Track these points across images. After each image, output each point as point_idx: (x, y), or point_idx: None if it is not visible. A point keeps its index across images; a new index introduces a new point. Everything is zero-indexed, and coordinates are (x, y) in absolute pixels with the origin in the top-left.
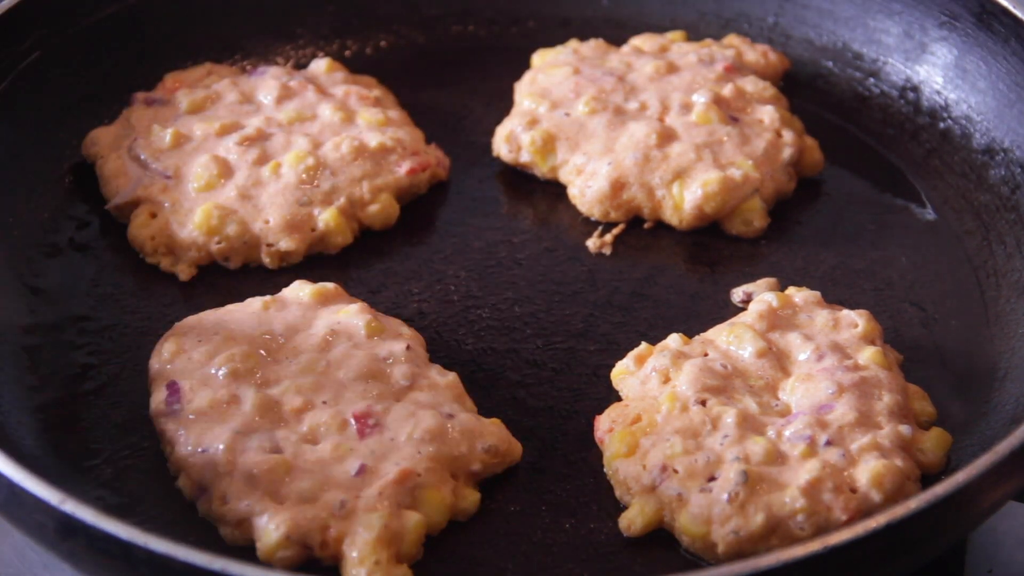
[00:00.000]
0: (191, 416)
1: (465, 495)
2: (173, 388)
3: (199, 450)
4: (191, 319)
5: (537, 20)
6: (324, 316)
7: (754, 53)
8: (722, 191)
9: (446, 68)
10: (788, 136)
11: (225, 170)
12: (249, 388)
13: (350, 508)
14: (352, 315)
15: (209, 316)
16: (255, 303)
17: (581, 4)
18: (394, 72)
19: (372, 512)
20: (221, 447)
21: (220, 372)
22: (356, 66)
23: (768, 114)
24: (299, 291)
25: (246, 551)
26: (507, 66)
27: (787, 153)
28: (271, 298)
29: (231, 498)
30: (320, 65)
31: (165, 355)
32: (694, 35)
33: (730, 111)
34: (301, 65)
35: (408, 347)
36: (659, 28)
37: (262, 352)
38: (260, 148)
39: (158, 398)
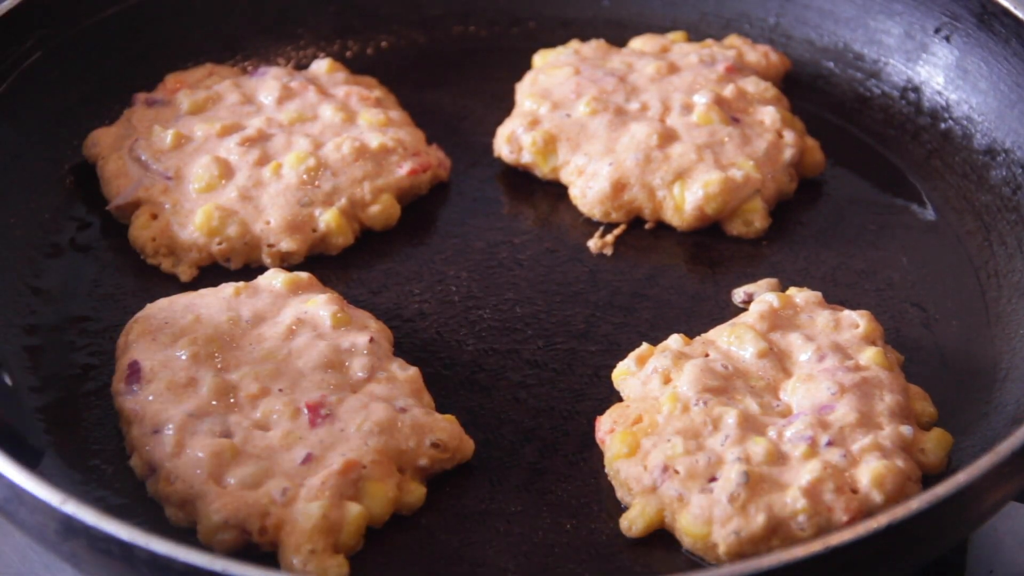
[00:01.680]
0: (149, 397)
1: (411, 489)
2: (134, 367)
3: (152, 431)
4: (162, 301)
5: (538, 21)
6: (293, 305)
7: (755, 54)
8: (723, 192)
9: (447, 69)
10: (789, 137)
11: (226, 171)
12: (208, 372)
13: (291, 496)
14: (320, 305)
15: (180, 299)
16: (227, 289)
17: (582, 5)
18: (395, 73)
19: (312, 501)
20: (172, 428)
21: (181, 354)
22: (357, 67)
23: (769, 115)
24: (273, 279)
25: (189, 533)
26: (508, 67)
27: (788, 154)
28: (244, 284)
29: (176, 479)
30: (321, 66)
31: (132, 335)
32: (695, 35)
33: (731, 112)
34: (302, 66)
35: (371, 340)
36: (660, 28)
37: (225, 337)
38: (261, 149)
39: (119, 377)
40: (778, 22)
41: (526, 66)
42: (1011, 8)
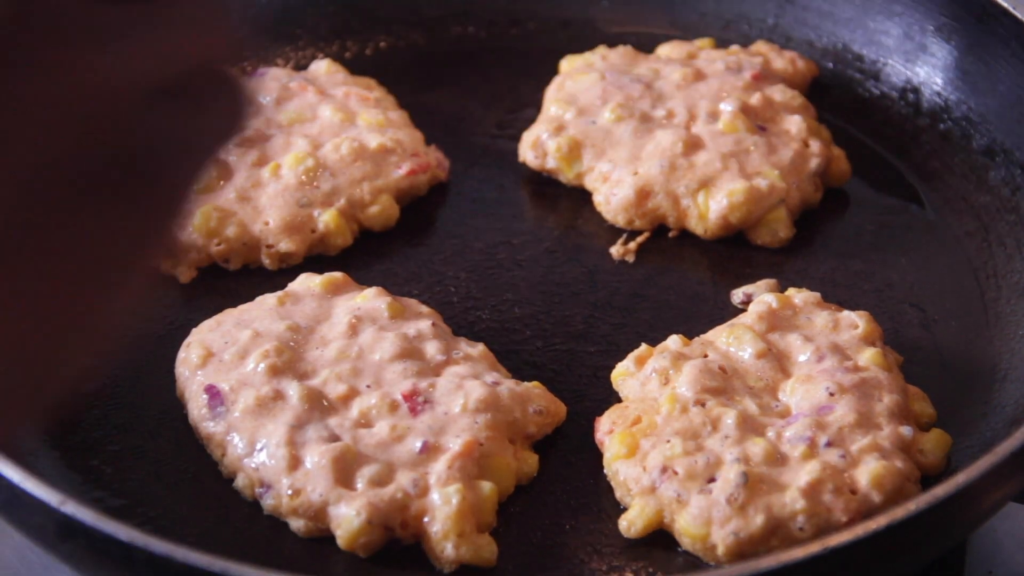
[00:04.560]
0: (237, 415)
1: (525, 458)
2: (213, 392)
3: (256, 448)
4: (208, 322)
5: (537, 22)
6: (341, 304)
7: (782, 60)
8: (748, 201)
9: (446, 69)
10: (815, 146)
11: (224, 172)
12: (291, 381)
13: (423, 486)
14: (371, 299)
15: (227, 317)
16: (269, 299)
17: (581, 5)
18: (394, 73)
19: (447, 486)
20: (279, 442)
21: (258, 368)
22: (356, 67)
23: (795, 124)
24: (308, 283)
25: (316, 543)
26: (507, 67)
27: (814, 164)
28: (284, 293)
29: (301, 491)
30: (320, 66)
31: (194, 360)
32: (693, 36)
33: (757, 120)
34: (301, 66)
35: (433, 324)
36: (659, 29)
37: (292, 345)
38: (259, 149)
39: (197, 405)
40: (777, 23)
41: (526, 67)
42: (1011, 8)
